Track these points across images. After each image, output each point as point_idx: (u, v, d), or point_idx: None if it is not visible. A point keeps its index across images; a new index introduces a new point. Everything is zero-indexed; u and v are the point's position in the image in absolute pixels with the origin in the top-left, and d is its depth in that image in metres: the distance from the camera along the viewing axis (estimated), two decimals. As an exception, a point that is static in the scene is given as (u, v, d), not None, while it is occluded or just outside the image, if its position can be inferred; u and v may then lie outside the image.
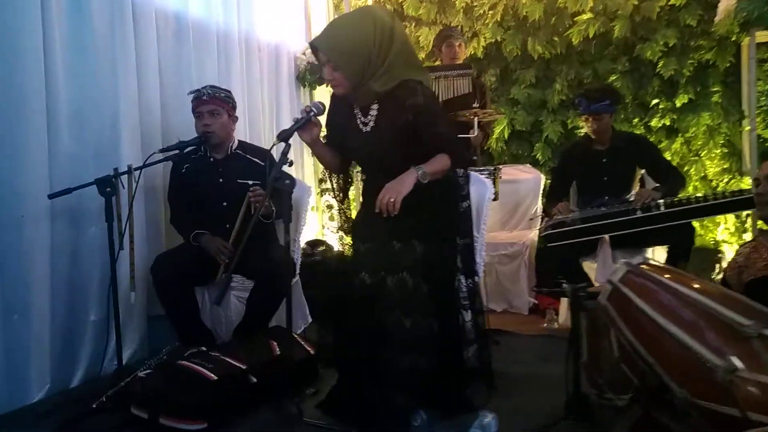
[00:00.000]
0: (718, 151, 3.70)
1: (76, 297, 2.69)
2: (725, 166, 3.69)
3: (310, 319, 3.21)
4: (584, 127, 3.23)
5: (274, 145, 2.03)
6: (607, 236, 3.03)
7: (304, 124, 2.02)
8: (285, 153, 2.00)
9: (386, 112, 2.05)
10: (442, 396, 2.07)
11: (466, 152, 2.15)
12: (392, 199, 1.89)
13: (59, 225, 2.61)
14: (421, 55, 4.43)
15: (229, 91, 2.90)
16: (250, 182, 2.82)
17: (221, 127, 2.81)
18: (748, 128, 3.57)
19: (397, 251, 2.09)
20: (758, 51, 3.55)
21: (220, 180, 2.84)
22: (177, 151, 2.67)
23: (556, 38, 4.04)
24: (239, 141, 2.96)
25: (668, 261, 2.96)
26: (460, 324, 2.19)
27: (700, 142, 3.73)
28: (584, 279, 3.07)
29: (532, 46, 4.09)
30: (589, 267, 3.13)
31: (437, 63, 3.79)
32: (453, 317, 2.16)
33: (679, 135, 3.79)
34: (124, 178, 2.53)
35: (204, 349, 2.36)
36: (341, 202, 2.40)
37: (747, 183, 3.63)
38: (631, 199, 3.22)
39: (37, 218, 2.49)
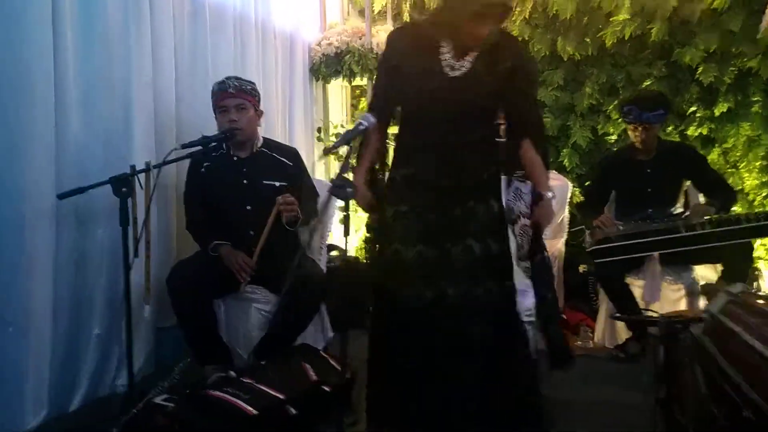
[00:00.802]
0: (758, 163, 3.54)
1: (79, 308, 2.38)
2: (764, 180, 3.54)
3: (331, 333, 2.95)
4: (631, 137, 3.03)
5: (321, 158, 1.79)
6: (656, 253, 2.84)
7: (355, 137, 1.78)
8: (347, 157, 1.74)
9: (487, 57, 1.80)
10: None
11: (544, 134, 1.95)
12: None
13: (64, 226, 2.30)
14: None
15: (254, 83, 2.61)
16: (277, 183, 2.57)
17: (248, 123, 2.53)
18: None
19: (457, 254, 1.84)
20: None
21: (244, 181, 2.55)
22: (200, 148, 2.37)
23: (588, 39, 3.83)
24: (264, 138, 2.68)
25: (723, 280, 2.79)
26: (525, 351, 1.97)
27: (738, 154, 3.57)
28: (630, 297, 2.88)
29: (561, 46, 3.88)
30: (633, 283, 2.94)
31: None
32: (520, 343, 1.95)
33: (716, 145, 3.63)
34: (141, 176, 2.24)
35: (233, 374, 2.07)
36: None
37: (788, 198, 3.49)
38: (678, 212, 3.05)
39: (41, 218, 2.16)
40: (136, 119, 2.55)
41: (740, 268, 2.73)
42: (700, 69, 3.58)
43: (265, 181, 2.56)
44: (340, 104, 4.49)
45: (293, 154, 2.70)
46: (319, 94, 4.23)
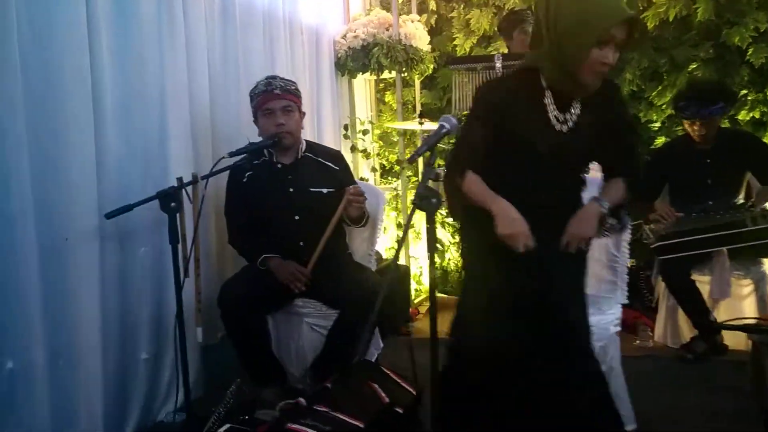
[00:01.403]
0: (813, 149, 3.39)
1: (126, 333, 2.24)
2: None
3: (381, 345, 2.80)
4: (690, 132, 2.87)
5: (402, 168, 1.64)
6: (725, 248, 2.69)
7: (438, 141, 1.61)
8: (431, 164, 1.57)
9: (591, 110, 1.70)
10: None
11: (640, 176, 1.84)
12: (584, 237, 1.67)
13: (107, 246, 2.15)
14: (470, 41, 4.01)
15: (296, 83, 2.45)
16: (325, 190, 2.42)
17: (296, 126, 2.37)
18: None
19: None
20: None
21: (291, 189, 2.39)
22: (245, 155, 2.21)
23: (627, 22, 3.65)
24: (306, 141, 2.51)
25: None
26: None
27: (791, 140, 3.42)
28: (698, 295, 2.74)
29: (600, 30, 3.70)
30: (699, 280, 2.79)
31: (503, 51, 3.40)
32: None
33: (767, 132, 3.47)
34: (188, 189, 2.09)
35: (304, 402, 1.92)
36: None
37: None
38: (740, 203, 2.90)
39: (85, 240, 2.03)
40: (172, 128, 2.40)
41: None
42: (751, 50, 3.40)
43: (312, 189, 2.40)
44: (365, 99, 4.32)
45: (338, 157, 2.54)
46: (344, 89, 4.05)
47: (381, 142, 4.12)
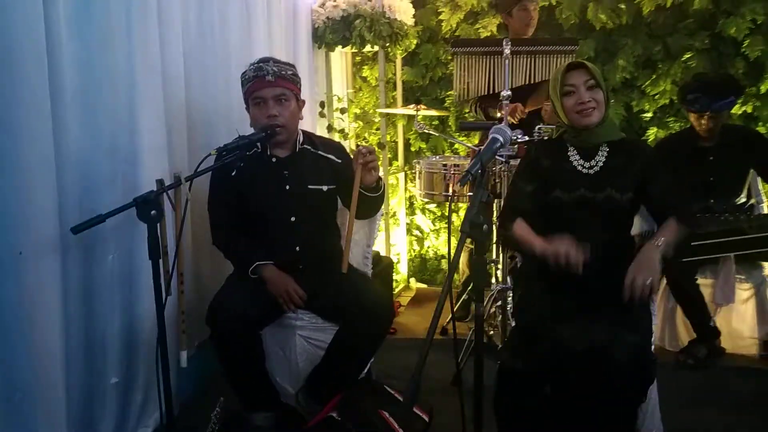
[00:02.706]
0: (803, 144, 3.36)
1: (92, 357, 1.92)
2: (809, 162, 3.37)
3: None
4: (696, 126, 2.74)
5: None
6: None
7: (493, 157, 1.44)
8: (481, 186, 1.34)
9: (619, 154, 1.88)
10: None
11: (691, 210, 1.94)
12: (648, 282, 1.63)
13: (70, 258, 1.81)
14: (457, 17, 3.74)
15: (294, 67, 2.13)
16: (325, 188, 2.15)
17: (291, 118, 2.07)
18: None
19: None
20: None
21: (287, 187, 2.10)
22: (237, 152, 1.89)
23: (622, 5, 3.47)
24: (303, 132, 2.21)
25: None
26: None
27: (783, 135, 3.38)
28: (701, 299, 2.66)
29: (593, 13, 3.51)
30: (702, 283, 2.70)
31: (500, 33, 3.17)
32: None
33: (760, 124, 3.41)
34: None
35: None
36: None
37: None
38: (741, 202, 2.82)
39: (43, 253, 1.68)
40: (143, 115, 2.04)
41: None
42: (746, 42, 3.31)
43: (310, 186, 2.12)
44: (342, 74, 4.00)
45: (340, 149, 2.25)
46: (321, 63, 3.72)
47: (360, 122, 3.83)
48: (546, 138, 2.58)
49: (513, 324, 2.02)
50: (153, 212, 1.66)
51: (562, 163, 1.91)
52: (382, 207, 2.31)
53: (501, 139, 1.43)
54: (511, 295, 2.52)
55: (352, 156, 2.19)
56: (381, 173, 2.13)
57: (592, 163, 1.89)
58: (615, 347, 1.55)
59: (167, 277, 1.79)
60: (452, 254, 1.26)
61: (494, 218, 2.66)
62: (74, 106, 1.80)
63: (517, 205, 1.93)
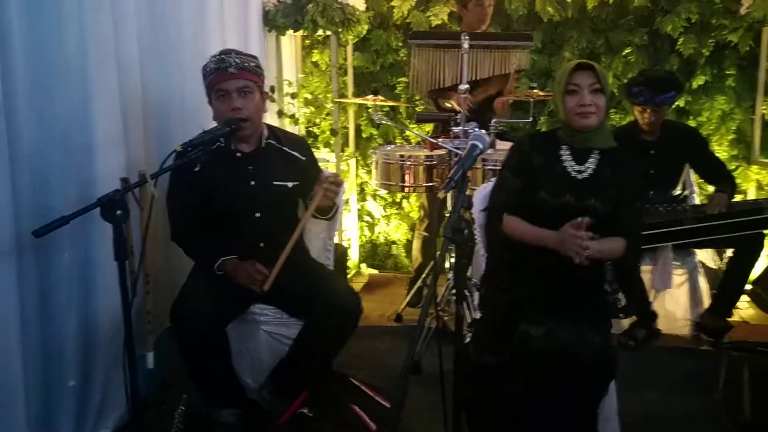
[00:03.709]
0: (729, 137, 3.60)
1: (50, 358, 1.85)
2: (734, 153, 3.62)
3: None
4: (639, 119, 2.89)
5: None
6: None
7: (473, 163, 1.47)
8: (463, 192, 1.37)
9: (610, 163, 1.90)
10: None
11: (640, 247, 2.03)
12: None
13: (25, 257, 1.72)
14: (409, 3, 3.72)
15: (257, 58, 2.08)
16: (290, 184, 2.13)
17: (256, 111, 2.03)
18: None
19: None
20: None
21: (252, 183, 2.07)
22: (202, 148, 1.84)
23: (568, -1, 3.60)
24: (269, 126, 2.17)
25: (732, 266, 2.81)
26: None
27: (712, 127, 3.60)
28: (642, 284, 2.83)
29: (541, 6, 3.60)
30: (643, 270, 2.88)
31: (459, 27, 3.21)
32: None
33: (691, 118, 3.63)
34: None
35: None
36: None
37: (755, 171, 3.60)
38: (676, 194, 3.01)
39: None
40: (98, 108, 1.94)
41: (753, 253, 2.76)
42: (681, 39, 3.50)
43: (276, 182, 2.10)
44: (291, 58, 3.92)
45: (304, 145, 2.24)
46: (271, 48, 3.63)
47: (311, 108, 3.79)
48: (500, 134, 2.66)
49: (478, 316, 2.08)
50: (119, 212, 1.60)
51: (553, 162, 1.90)
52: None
53: (480, 145, 1.46)
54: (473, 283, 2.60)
55: (313, 155, 2.20)
56: (340, 194, 2.13)
57: (583, 168, 1.89)
58: (580, 348, 1.63)
59: (132, 278, 1.73)
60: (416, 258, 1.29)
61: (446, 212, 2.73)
62: (25, 98, 1.70)
63: (505, 201, 1.90)
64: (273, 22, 3.46)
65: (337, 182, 2.00)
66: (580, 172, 1.89)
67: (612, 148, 1.92)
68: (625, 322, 2.93)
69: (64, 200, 1.81)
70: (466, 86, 2.60)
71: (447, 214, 2.75)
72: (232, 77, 1.95)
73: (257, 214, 2.07)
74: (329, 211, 2.14)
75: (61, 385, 1.89)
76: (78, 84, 1.88)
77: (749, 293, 2.88)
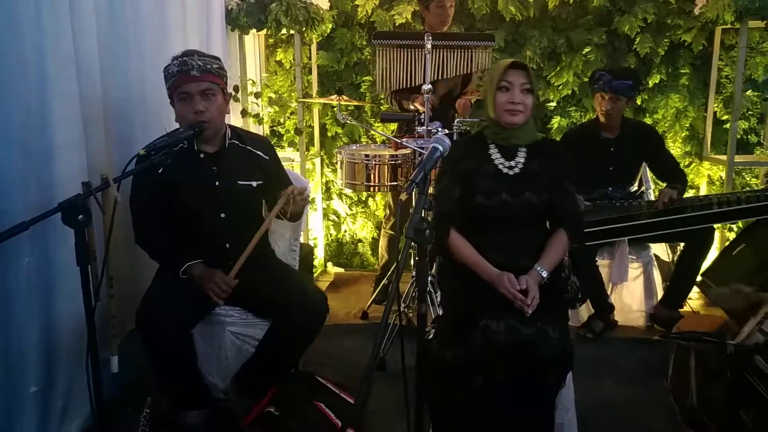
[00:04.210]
0: (683, 134, 3.73)
1: (10, 364, 1.82)
2: (687, 149, 3.76)
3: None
4: (597, 108, 2.98)
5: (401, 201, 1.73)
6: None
7: (434, 166, 1.52)
8: (423, 193, 1.41)
9: (537, 156, 1.98)
10: None
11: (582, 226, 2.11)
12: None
13: (-18, 265, 1.70)
14: (372, 2, 3.74)
15: (220, 60, 2.08)
16: (254, 184, 2.14)
17: (218, 113, 2.03)
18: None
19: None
20: (725, 36, 3.59)
21: (216, 183, 2.08)
22: (165, 151, 1.83)
23: (530, -1, 3.67)
24: (230, 126, 2.18)
25: (683, 259, 2.93)
26: None
27: (667, 125, 3.73)
28: (599, 279, 2.93)
29: (503, 5, 3.67)
30: (599, 264, 2.98)
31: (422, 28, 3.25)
32: None
33: (647, 115, 3.75)
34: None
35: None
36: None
37: (706, 167, 3.74)
38: (633, 190, 3.12)
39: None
40: (57, 110, 1.93)
41: (703, 247, 2.87)
42: (638, 39, 3.61)
43: (240, 182, 2.11)
44: (254, 57, 3.91)
45: (267, 145, 2.24)
46: (234, 47, 3.62)
47: (276, 107, 3.78)
48: (463, 133, 2.71)
49: (441, 313, 2.13)
50: (81, 217, 1.59)
51: (483, 163, 1.97)
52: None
53: (441, 148, 1.50)
54: (432, 281, 2.65)
55: (276, 154, 2.22)
56: (305, 183, 2.16)
57: (513, 163, 1.97)
58: (539, 343, 1.70)
59: (96, 282, 1.72)
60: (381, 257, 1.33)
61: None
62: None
63: (449, 211, 1.95)
64: (236, 22, 3.45)
65: (304, 197, 2.03)
66: (511, 168, 1.96)
67: (536, 141, 2.01)
68: (584, 315, 3.04)
69: (22, 205, 1.79)
70: (429, 86, 2.65)
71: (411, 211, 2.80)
72: (195, 80, 1.95)
73: (222, 215, 2.08)
74: (298, 217, 2.16)
75: (22, 392, 1.86)
76: (36, 86, 1.85)
77: (699, 285, 3.00)
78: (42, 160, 1.88)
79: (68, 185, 1.90)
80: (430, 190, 1.96)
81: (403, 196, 2.40)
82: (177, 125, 2.06)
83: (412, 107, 3.02)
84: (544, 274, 1.86)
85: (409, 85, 2.82)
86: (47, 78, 1.88)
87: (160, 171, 2.00)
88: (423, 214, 1.40)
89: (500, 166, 1.97)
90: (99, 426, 1.74)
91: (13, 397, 1.84)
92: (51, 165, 1.90)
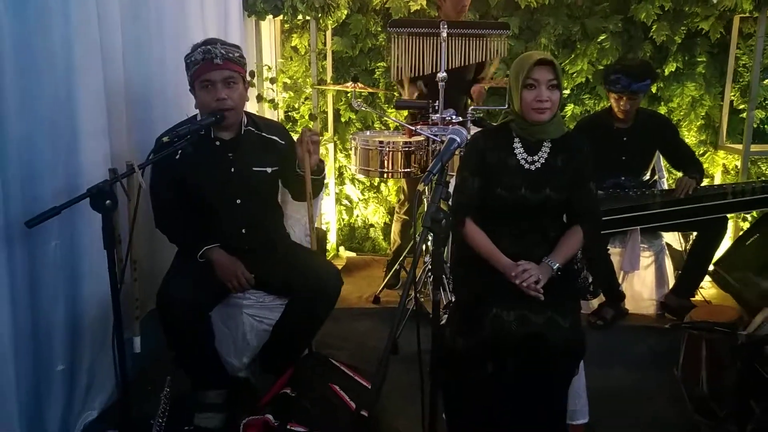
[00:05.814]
0: (698, 123, 3.72)
1: (39, 344, 1.89)
2: (702, 138, 3.75)
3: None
4: (614, 106, 2.96)
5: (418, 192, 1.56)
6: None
7: (451, 157, 1.54)
8: (441, 183, 1.45)
9: (561, 151, 1.98)
10: None
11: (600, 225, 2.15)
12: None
13: (14, 245, 1.75)
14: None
15: (240, 48, 2.11)
16: (269, 170, 2.19)
17: (240, 101, 2.07)
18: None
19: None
20: (743, 25, 3.56)
21: (232, 169, 2.12)
22: (188, 138, 1.88)
23: (546, -15, 3.65)
24: (247, 114, 2.21)
25: (696, 248, 2.94)
26: None
27: (682, 113, 3.72)
28: (611, 267, 2.95)
29: (519, -9, 3.66)
30: (610, 251, 3.00)
31: (437, 16, 3.25)
32: None
33: (663, 104, 3.74)
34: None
35: (272, 419, 1.78)
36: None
37: (722, 156, 3.73)
38: (646, 179, 3.12)
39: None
40: (83, 99, 1.96)
41: (717, 237, 2.88)
42: (654, 27, 3.59)
43: (255, 168, 2.15)
44: (270, 43, 3.92)
45: (283, 130, 2.28)
46: (250, 32, 3.64)
47: (290, 93, 3.81)
48: (476, 121, 2.73)
49: (453, 300, 2.17)
50: (108, 202, 1.65)
51: (507, 157, 1.98)
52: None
53: (458, 139, 1.53)
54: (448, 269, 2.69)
55: (294, 138, 2.25)
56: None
57: (535, 158, 1.97)
58: (550, 332, 1.73)
59: (120, 266, 1.78)
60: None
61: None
62: (13, 91, 1.71)
63: (467, 202, 1.97)
64: (253, 8, 3.48)
65: (314, 137, 2.10)
66: (532, 162, 1.97)
67: (562, 135, 1.99)
68: (594, 303, 3.06)
69: (51, 190, 1.84)
70: (444, 74, 2.66)
71: (425, 199, 2.84)
72: (218, 68, 1.99)
73: (238, 201, 2.12)
74: (318, 169, 2.21)
75: (50, 369, 1.93)
76: (63, 77, 1.89)
77: (711, 274, 3.01)
78: (69, 147, 1.93)
79: (93, 172, 1.95)
80: (448, 179, 2.00)
81: (421, 187, 2.43)
82: (196, 112, 2.10)
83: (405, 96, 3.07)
84: (555, 267, 1.88)
85: (423, 73, 2.83)
86: (74, 68, 1.92)
87: (177, 157, 2.04)
88: (439, 205, 1.43)
89: (522, 161, 1.97)
90: (122, 403, 1.80)
91: (42, 374, 1.90)
92: (77, 152, 1.95)
